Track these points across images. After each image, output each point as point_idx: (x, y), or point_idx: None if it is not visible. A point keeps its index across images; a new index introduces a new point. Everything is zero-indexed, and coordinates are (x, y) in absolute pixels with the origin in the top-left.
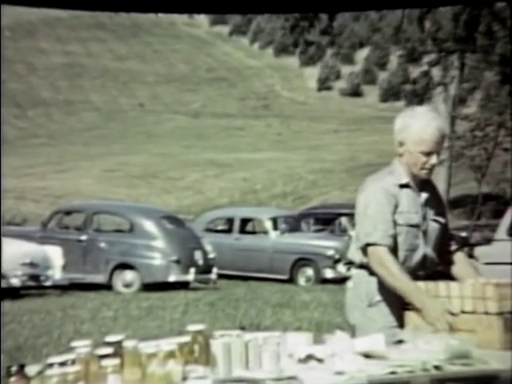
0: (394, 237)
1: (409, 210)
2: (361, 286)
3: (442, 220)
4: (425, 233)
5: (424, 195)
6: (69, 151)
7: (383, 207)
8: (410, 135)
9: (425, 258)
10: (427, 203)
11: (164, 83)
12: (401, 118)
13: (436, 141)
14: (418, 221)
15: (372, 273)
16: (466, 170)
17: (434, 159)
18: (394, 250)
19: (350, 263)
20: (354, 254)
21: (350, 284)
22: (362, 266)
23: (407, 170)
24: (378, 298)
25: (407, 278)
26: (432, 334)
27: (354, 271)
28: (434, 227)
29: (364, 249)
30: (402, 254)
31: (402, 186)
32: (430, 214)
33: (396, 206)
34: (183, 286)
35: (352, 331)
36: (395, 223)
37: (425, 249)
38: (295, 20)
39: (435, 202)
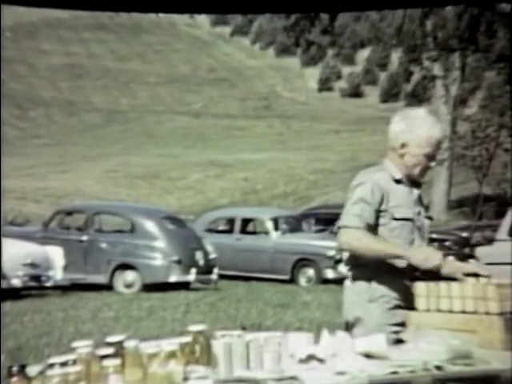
0: (371, 226)
1: (403, 204)
2: (360, 282)
3: (430, 216)
4: (420, 229)
5: (416, 192)
6: (70, 152)
7: (366, 198)
8: (415, 137)
9: None
10: (419, 200)
11: (165, 84)
12: (403, 119)
13: (439, 144)
14: (412, 215)
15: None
16: (467, 171)
17: (434, 162)
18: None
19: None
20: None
21: (347, 283)
22: (359, 265)
23: (401, 168)
24: (379, 293)
25: (380, 240)
26: (433, 333)
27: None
28: (426, 224)
29: (337, 233)
30: None
31: (396, 180)
32: (422, 211)
33: (382, 201)
34: (184, 286)
35: (349, 329)
36: (393, 218)
37: (421, 243)
38: (296, 19)
39: (423, 201)
